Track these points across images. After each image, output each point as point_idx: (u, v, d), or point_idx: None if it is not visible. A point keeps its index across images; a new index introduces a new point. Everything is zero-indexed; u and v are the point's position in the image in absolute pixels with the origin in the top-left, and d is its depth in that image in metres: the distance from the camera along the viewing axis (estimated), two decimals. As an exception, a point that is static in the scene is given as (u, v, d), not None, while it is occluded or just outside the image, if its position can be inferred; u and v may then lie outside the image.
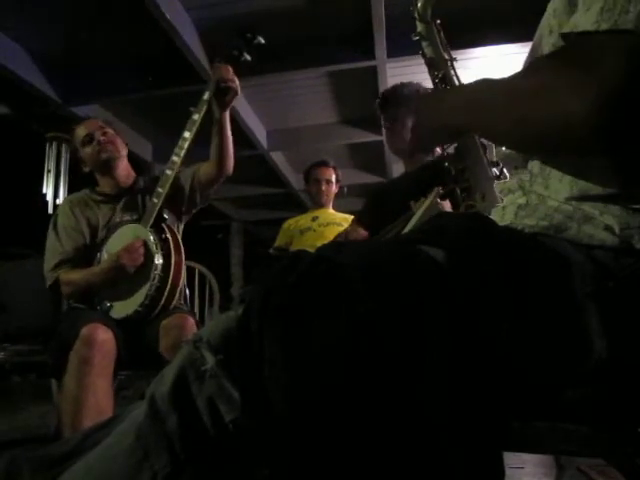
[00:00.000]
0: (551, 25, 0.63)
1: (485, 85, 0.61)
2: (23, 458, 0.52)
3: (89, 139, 1.73)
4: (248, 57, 1.69)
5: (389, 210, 1.67)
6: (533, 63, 0.61)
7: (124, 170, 1.79)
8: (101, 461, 0.45)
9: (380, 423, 0.37)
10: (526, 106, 0.52)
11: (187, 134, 1.61)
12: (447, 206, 1.42)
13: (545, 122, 0.50)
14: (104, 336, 1.38)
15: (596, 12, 0.47)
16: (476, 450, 0.39)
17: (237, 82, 1.63)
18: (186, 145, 1.61)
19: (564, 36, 0.52)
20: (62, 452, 0.53)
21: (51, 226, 1.73)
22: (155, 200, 1.61)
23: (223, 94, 1.62)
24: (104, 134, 1.73)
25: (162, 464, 0.41)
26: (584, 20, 0.49)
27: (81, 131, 1.75)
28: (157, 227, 1.61)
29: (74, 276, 1.63)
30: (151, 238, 1.58)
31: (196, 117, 1.62)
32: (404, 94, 1.67)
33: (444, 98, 0.72)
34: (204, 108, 1.62)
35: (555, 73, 0.50)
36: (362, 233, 1.76)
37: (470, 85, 0.65)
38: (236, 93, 1.63)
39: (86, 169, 1.80)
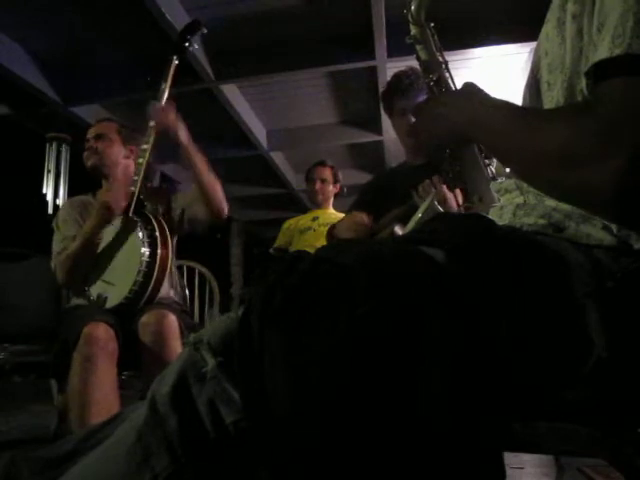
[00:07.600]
0: (546, 48, 0.64)
1: (505, 111, 0.58)
2: (23, 458, 0.52)
3: (87, 142, 1.82)
4: (196, 45, 1.89)
5: (389, 197, 1.67)
6: (562, 111, 0.57)
7: (121, 176, 1.80)
8: (101, 462, 0.45)
9: (380, 424, 0.37)
10: (551, 166, 0.51)
11: (152, 123, 1.69)
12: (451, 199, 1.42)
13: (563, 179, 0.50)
14: (106, 334, 1.37)
15: (608, 41, 0.48)
16: (477, 451, 0.39)
17: (170, 118, 1.68)
18: (153, 132, 1.68)
19: (587, 74, 0.51)
20: (62, 452, 0.53)
21: (54, 226, 1.77)
22: (132, 188, 1.64)
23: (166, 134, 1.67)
24: (97, 141, 1.80)
25: (162, 466, 0.41)
26: (600, 51, 0.49)
27: (89, 132, 1.85)
28: (142, 216, 1.62)
29: (65, 254, 1.64)
30: (140, 235, 1.57)
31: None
32: (405, 83, 1.65)
33: (449, 106, 0.68)
34: (164, 97, 1.75)
35: (581, 134, 0.49)
36: (359, 218, 1.73)
37: (485, 102, 0.61)
38: (175, 132, 1.67)
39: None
